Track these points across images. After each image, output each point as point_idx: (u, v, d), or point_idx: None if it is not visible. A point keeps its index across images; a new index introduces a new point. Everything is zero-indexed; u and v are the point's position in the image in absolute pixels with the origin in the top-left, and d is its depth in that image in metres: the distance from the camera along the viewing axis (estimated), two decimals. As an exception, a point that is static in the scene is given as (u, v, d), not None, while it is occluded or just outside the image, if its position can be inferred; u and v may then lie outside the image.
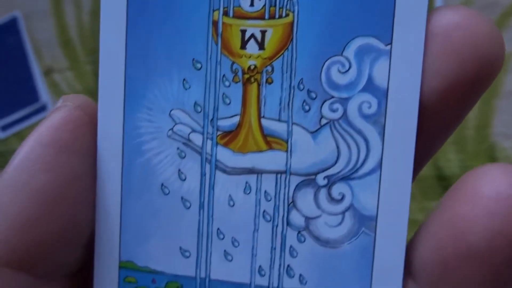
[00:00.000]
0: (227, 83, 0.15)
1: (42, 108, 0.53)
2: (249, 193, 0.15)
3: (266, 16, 0.15)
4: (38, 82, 0.52)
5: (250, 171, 0.15)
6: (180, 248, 0.16)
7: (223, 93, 0.15)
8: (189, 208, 0.15)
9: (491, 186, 0.13)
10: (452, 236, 0.13)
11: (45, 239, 0.14)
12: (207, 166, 0.15)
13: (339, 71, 0.14)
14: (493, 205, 0.13)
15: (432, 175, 0.43)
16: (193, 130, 0.15)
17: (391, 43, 0.14)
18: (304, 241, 0.15)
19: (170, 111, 0.15)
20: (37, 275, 0.15)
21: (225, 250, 0.15)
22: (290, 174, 0.15)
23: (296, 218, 0.15)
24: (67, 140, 0.15)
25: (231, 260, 0.15)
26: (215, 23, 0.15)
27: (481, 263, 0.13)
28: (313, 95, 0.15)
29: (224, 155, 0.15)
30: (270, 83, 0.15)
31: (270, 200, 0.15)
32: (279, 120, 0.15)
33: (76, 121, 0.15)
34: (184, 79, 0.15)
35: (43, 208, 0.14)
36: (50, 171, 0.14)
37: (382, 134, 0.14)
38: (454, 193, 0.13)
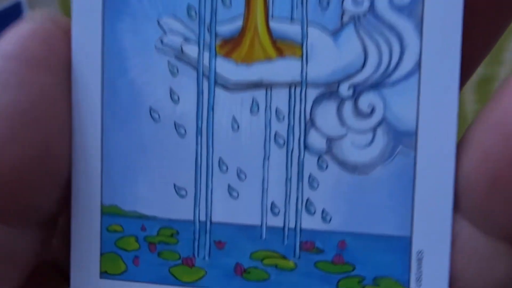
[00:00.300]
0: None
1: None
2: (257, 112, 0.12)
3: None
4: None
5: (258, 85, 0.12)
6: (175, 185, 0.13)
7: None
8: (184, 135, 0.13)
9: None
10: (502, 139, 0.10)
11: (15, 168, 0.12)
12: (205, 83, 0.12)
13: None
14: None
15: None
16: (187, 40, 0.12)
17: None
18: (326, 168, 0.12)
19: (158, 18, 0.12)
20: (10, 221, 0.12)
21: (229, 185, 0.13)
22: (307, 85, 0.12)
23: (316, 140, 0.12)
24: (38, 53, 0.12)
25: (237, 197, 0.13)
26: None
27: None
28: (332, -14, 0.12)
29: (225, 68, 0.12)
30: None
31: (283, 120, 0.12)
32: (292, 20, 0.12)
33: (47, 33, 0.12)
34: None
35: (11, 129, 0.11)
36: (19, 87, 0.12)
37: (420, 28, 0.12)
38: (502, 90, 0.11)
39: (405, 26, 0.12)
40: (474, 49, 0.12)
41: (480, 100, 0.37)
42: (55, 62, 0.13)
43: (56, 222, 0.14)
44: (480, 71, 0.37)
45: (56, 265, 0.15)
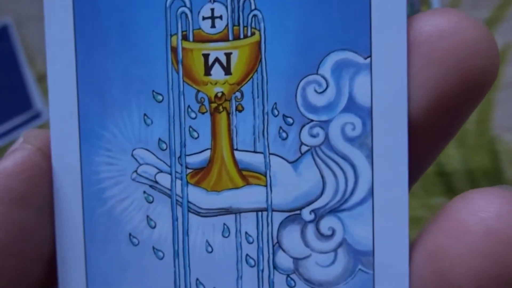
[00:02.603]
0: (193, 115, 0.14)
1: (36, 116, 0.54)
2: (228, 236, 0.14)
3: (230, 37, 0.14)
4: (31, 89, 0.53)
5: (227, 211, 0.14)
6: None
7: (190, 126, 0.14)
8: (162, 258, 0.15)
9: (478, 219, 0.12)
10: (434, 272, 0.12)
11: None
12: (179, 210, 0.14)
13: (316, 91, 0.14)
14: (479, 243, 0.12)
15: (433, 171, 0.42)
16: (160, 171, 0.14)
17: (370, 56, 0.13)
18: (294, 285, 0.14)
19: (132, 151, 0.14)
20: None
21: None
22: (272, 211, 0.14)
23: (284, 260, 0.14)
24: (21, 191, 0.14)
25: None
26: (174, 49, 0.14)
27: None
28: (290, 120, 0.14)
29: (197, 196, 0.14)
30: (240, 111, 0.14)
31: (252, 242, 0.14)
32: (255, 151, 0.14)
33: (33, 169, 0.14)
34: (145, 114, 0.14)
35: None
36: (0, 224, 0.13)
37: (371, 158, 0.14)
38: (438, 223, 0.13)
39: (358, 155, 0.14)
40: (418, 166, 0.14)
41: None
42: (38, 197, 0.14)
43: None
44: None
45: None
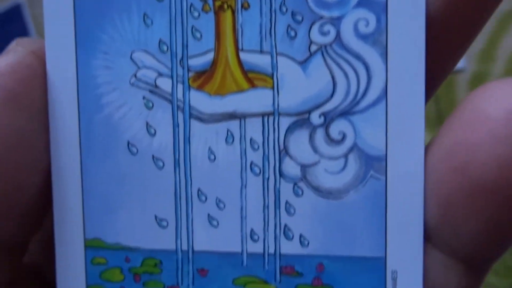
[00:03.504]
0: (196, 14, 0.14)
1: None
2: (232, 142, 0.14)
3: None
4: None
5: (232, 116, 0.14)
6: (156, 217, 0.14)
7: (192, 26, 0.14)
8: (162, 168, 0.14)
9: (498, 105, 0.11)
10: (453, 168, 0.12)
11: None
12: (180, 116, 0.14)
13: None
14: (500, 128, 0.11)
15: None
16: (160, 74, 0.14)
17: None
18: (301, 194, 0.14)
19: (131, 53, 0.14)
20: None
21: (209, 215, 0.14)
22: (279, 115, 0.14)
23: (291, 168, 0.14)
24: (14, 90, 0.13)
25: (217, 225, 0.14)
26: None
27: (486, 198, 0.11)
28: (299, 17, 0.13)
29: (199, 100, 0.14)
30: (246, 9, 0.14)
31: (257, 149, 0.14)
32: (261, 51, 0.14)
33: (26, 70, 0.14)
34: (144, 14, 0.14)
35: None
36: None
37: (385, 56, 0.13)
38: (455, 117, 0.12)
39: (371, 54, 0.13)
40: (438, 68, 0.13)
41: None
42: (31, 102, 0.14)
43: (26, 245, 0.15)
44: (473, 67, 0.38)
45: (37, 272, 0.16)
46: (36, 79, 0.14)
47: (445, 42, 0.13)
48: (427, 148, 0.13)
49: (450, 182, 0.12)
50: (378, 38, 0.13)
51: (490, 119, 0.11)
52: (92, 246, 0.15)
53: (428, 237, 0.13)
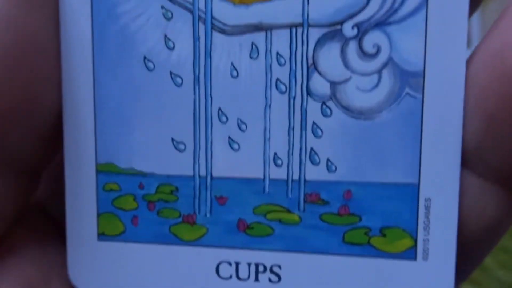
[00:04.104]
0: None
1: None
2: (256, 57, 0.13)
3: None
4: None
5: (257, 27, 0.13)
6: (172, 139, 0.13)
7: None
8: (180, 85, 0.13)
9: None
10: (500, 74, 0.11)
11: None
12: (201, 27, 0.13)
13: None
14: None
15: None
16: None
17: None
18: (330, 114, 0.13)
19: None
20: None
21: (229, 137, 0.13)
22: (309, 26, 0.13)
23: (319, 85, 0.13)
24: None
25: (238, 149, 0.13)
26: None
27: None
28: None
29: (222, 10, 0.13)
30: None
31: (284, 64, 0.13)
32: None
33: None
34: None
35: None
36: (5, 28, 0.12)
37: None
38: (503, 18, 0.11)
39: (412, -42, 0.12)
40: None
41: None
42: (44, 2, 0.13)
43: (40, 175, 0.14)
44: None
45: (44, 210, 0.15)
46: None
47: None
48: (470, 57, 0.12)
49: (497, 90, 0.11)
50: None
51: None
52: (104, 171, 0.14)
53: (465, 161, 0.12)
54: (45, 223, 0.15)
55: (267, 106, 0.13)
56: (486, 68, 0.11)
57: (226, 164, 0.13)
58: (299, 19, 0.13)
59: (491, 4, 0.39)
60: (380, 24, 0.12)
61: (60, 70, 0.13)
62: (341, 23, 0.13)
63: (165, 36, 0.13)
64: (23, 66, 0.12)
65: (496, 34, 0.11)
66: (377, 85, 0.13)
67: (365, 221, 0.13)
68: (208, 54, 0.13)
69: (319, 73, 0.13)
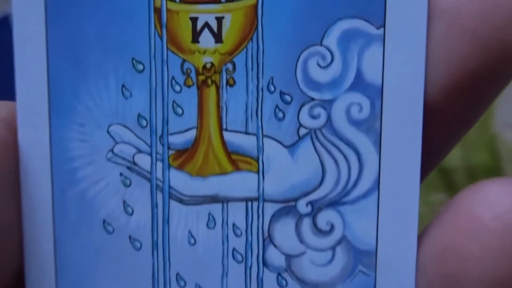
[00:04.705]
0: (177, 88, 0.13)
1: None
2: (213, 227, 0.13)
3: (222, -1, 0.13)
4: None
5: (214, 199, 0.13)
6: None
7: (174, 101, 0.13)
8: (139, 249, 0.13)
9: (493, 214, 0.11)
10: (445, 276, 0.11)
11: None
12: (159, 195, 0.13)
13: (319, 65, 0.12)
14: (495, 242, 0.11)
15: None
16: (139, 150, 0.13)
17: (384, 25, 0.12)
18: (286, 285, 0.13)
19: (108, 127, 0.13)
20: None
21: None
22: (264, 201, 0.13)
23: (275, 257, 0.13)
24: None
25: None
26: (157, 11, 0.13)
27: None
28: (288, 98, 0.13)
29: (180, 181, 0.13)
30: (232, 85, 0.13)
31: (240, 235, 0.13)
32: (246, 132, 0.13)
33: None
34: (123, 85, 0.13)
35: None
36: None
37: (378, 144, 0.12)
38: (447, 217, 0.12)
39: (363, 141, 0.13)
40: (431, 157, 0.13)
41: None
42: (1, 177, 0.13)
43: None
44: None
45: None
46: (6, 152, 0.13)
47: (441, 132, 0.13)
48: (418, 243, 0.12)
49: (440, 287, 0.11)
50: (371, 124, 0.13)
51: (484, 230, 0.11)
52: None
53: None
54: None
55: (224, 273, 0.13)
56: (432, 265, 0.12)
57: None
58: (254, 194, 0.13)
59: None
60: (334, 203, 0.13)
61: (20, 235, 0.14)
62: (296, 200, 0.13)
63: (124, 202, 0.14)
64: None
65: (441, 231, 0.12)
66: (331, 260, 0.13)
67: None
68: (166, 221, 0.14)
69: (275, 246, 0.13)
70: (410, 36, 0.12)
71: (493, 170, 0.41)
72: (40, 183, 0.14)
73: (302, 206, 0.13)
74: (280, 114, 0.13)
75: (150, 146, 0.13)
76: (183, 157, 0.13)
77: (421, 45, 0.12)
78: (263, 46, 0.13)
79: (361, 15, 0.12)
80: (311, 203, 0.13)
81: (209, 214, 0.13)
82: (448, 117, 0.12)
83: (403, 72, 0.12)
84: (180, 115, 0.13)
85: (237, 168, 0.13)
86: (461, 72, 0.12)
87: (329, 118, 0.13)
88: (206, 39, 0.13)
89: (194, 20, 0.13)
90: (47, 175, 0.14)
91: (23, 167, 0.14)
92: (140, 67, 0.13)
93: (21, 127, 0.14)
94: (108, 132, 0.13)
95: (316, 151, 0.13)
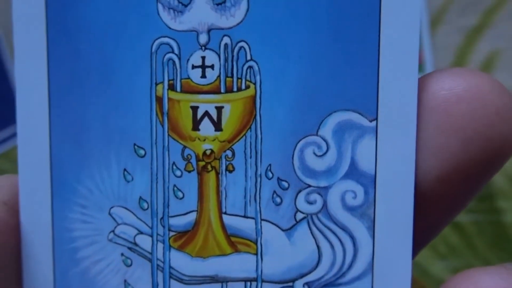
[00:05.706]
0: (178, 173, 0.14)
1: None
2: None
3: (222, 90, 0.13)
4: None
5: (213, 279, 0.14)
6: None
7: (174, 185, 0.14)
8: None
9: None
10: None
11: None
12: (160, 276, 0.14)
13: (315, 154, 0.13)
14: None
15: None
16: (140, 232, 0.14)
17: (376, 118, 0.13)
18: None
19: (110, 209, 0.14)
20: None
21: None
22: (262, 281, 0.14)
23: None
24: None
25: None
26: (159, 99, 0.13)
27: None
28: (285, 184, 0.13)
29: (180, 261, 0.14)
30: (231, 171, 0.14)
31: None
32: (245, 216, 0.14)
33: None
34: (124, 169, 0.14)
35: None
36: None
37: (372, 229, 0.13)
38: None
39: (358, 226, 0.13)
40: (422, 239, 0.14)
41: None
42: (4, 259, 0.14)
43: None
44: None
45: None
46: (8, 235, 0.14)
47: (433, 214, 0.13)
48: None
49: None
50: (365, 211, 0.13)
51: None
52: None
53: None
54: None
55: None
56: None
57: None
58: (253, 275, 0.14)
59: (442, 27, 0.41)
60: (330, 284, 0.14)
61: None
62: (293, 281, 0.14)
63: (125, 281, 0.14)
64: None
65: None
66: None
67: None
68: (167, 301, 0.14)
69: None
70: (401, 130, 0.13)
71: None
72: (42, 263, 0.14)
73: (299, 287, 0.14)
74: (278, 200, 0.14)
75: (151, 228, 0.14)
76: (184, 238, 0.14)
77: (411, 138, 0.13)
78: (261, 135, 0.14)
79: (355, 108, 0.13)
80: (308, 284, 0.14)
81: None
82: (441, 202, 0.13)
83: (395, 163, 0.13)
84: (181, 198, 0.14)
85: (236, 250, 0.14)
86: (451, 166, 0.13)
87: (325, 204, 0.14)
88: (206, 127, 0.14)
89: (194, 109, 0.14)
90: (49, 255, 0.14)
91: (25, 248, 0.14)
92: (142, 152, 0.14)
93: (23, 208, 0.14)
94: (109, 214, 0.14)
95: (313, 235, 0.14)
